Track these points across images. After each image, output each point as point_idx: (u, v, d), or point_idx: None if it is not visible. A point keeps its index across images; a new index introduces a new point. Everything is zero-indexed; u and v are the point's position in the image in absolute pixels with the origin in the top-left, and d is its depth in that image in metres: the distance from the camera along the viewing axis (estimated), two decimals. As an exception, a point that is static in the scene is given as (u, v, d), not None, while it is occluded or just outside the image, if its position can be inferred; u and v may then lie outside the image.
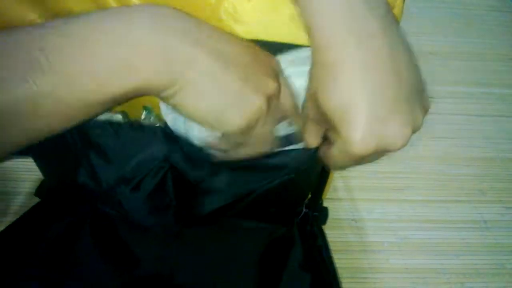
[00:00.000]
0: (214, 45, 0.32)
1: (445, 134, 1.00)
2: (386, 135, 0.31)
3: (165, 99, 0.32)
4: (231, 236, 0.59)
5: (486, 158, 0.95)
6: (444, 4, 1.40)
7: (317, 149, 0.40)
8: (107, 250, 0.57)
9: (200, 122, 0.34)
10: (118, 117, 0.45)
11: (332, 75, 0.31)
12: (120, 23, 0.30)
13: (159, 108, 0.44)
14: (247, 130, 0.34)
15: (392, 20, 0.33)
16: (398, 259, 0.78)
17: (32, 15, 0.38)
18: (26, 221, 0.58)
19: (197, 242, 0.58)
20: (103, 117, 0.44)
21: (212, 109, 0.33)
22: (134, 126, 0.46)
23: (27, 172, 0.81)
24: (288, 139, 0.42)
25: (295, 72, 0.39)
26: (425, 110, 0.33)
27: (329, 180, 0.58)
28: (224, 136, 0.37)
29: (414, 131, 0.32)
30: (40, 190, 0.62)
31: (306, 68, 0.36)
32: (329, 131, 0.37)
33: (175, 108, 0.33)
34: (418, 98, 0.32)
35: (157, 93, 0.31)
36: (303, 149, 0.43)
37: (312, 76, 0.34)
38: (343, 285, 0.56)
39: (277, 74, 0.36)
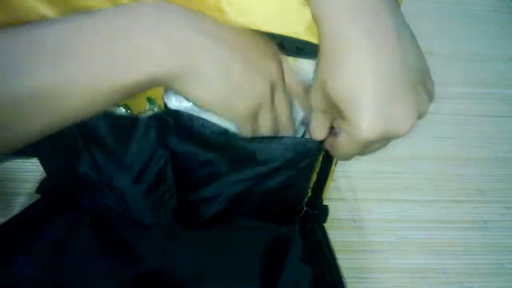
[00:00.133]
0: (218, 33, 0.34)
1: (445, 134, 1.00)
2: (393, 119, 0.31)
3: (174, 87, 0.34)
4: (232, 234, 0.59)
5: (486, 158, 0.96)
6: (444, 5, 1.40)
7: (321, 141, 0.41)
8: (108, 247, 0.57)
9: (208, 108, 0.35)
10: (121, 110, 0.46)
11: (339, 62, 0.32)
12: (132, 16, 0.32)
13: (162, 99, 0.44)
14: (254, 114, 0.36)
15: (397, 8, 0.34)
16: (398, 259, 0.78)
17: (51, 14, 0.39)
18: (26, 217, 0.58)
19: (198, 240, 0.59)
20: None
21: (219, 94, 0.34)
22: (129, 118, 0.46)
23: (27, 173, 0.81)
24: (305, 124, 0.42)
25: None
26: (431, 95, 0.34)
27: (329, 178, 0.58)
28: (235, 123, 0.37)
29: (420, 116, 0.33)
30: (42, 187, 0.63)
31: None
32: (336, 121, 0.37)
33: (183, 95, 0.35)
34: (423, 84, 0.33)
35: (168, 81, 0.33)
36: (304, 139, 0.43)
37: (319, 66, 0.35)
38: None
39: (279, 60, 0.37)
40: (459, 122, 1.03)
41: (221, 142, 0.43)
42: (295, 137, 0.43)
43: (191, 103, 0.41)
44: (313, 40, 0.39)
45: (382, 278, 0.75)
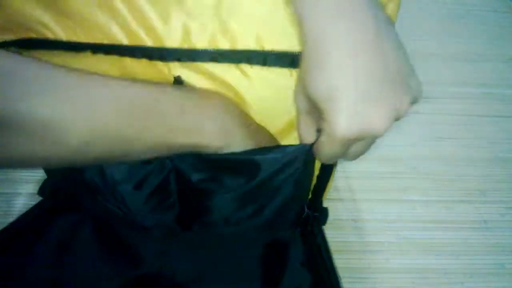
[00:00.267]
0: (249, 127, 0.44)
1: (446, 134, 1.00)
2: (369, 119, 0.32)
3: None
4: (232, 235, 0.59)
5: (487, 159, 0.95)
6: (444, 5, 1.39)
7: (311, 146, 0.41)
8: (109, 249, 0.57)
9: None
10: None
11: (319, 63, 0.33)
12: (202, 100, 0.42)
13: None
14: None
15: (378, 8, 0.34)
16: (398, 259, 0.78)
17: (45, 17, 0.39)
18: (28, 219, 0.58)
19: (198, 241, 0.59)
20: None
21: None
22: None
23: (29, 173, 0.81)
24: None
25: None
26: (414, 96, 0.34)
27: (330, 181, 0.58)
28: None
29: (399, 115, 0.33)
30: (43, 189, 0.63)
31: None
32: (320, 122, 0.37)
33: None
34: (405, 84, 0.34)
35: (208, 149, 0.42)
36: (299, 145, 0.43)
37: (301, 67, 0.36)
38: (343, 285, 0.56)
39: None
40: (459, 122, 1.03)
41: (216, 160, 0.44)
42: (287, 146, 0.44)
43: None
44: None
45: (383, 278, 0.75)
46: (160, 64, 0.42)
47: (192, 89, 0.43)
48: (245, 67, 0.41)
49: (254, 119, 0.46)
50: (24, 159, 0.36)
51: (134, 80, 0.39)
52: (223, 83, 0.43)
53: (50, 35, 0.40)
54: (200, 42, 0.40)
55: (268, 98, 0.44)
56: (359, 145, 0.36)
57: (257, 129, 0.46)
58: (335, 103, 0.32)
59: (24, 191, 0.78)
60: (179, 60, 0.41)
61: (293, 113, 0.44)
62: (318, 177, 0.56)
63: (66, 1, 0.39)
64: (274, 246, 0.59)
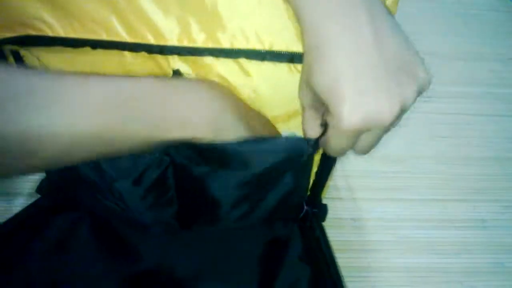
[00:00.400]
0: (243, 114, 0.42)
1: (444, 133, 1.00)
2: (373, 107, 0.32)
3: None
4: (231, 233, 0.60)
5: (485, 158, 0.96)
6: (443, 4, 1.40)
7: (316, 140, 0.41)
8: (107, 246, 0.57)
9: None
10: None
11: (320, 57, 0.33)
12: (187, 93, 0.40)
13: None
14: None
15: (378, 2, 0.34)
16: (397, 258, 0.78)
17: (44, 13, 0.40)
18: (26, 216, 0.58)
19: (197, 239, 0.59)
20: None
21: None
22: None
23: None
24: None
25: None
26: (420, 85, 0.34)
27: (329, 177, 0.58)
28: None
29: (405, 104, 0.33)
30: (41, 187, 0.63)
31: None
32: (325, 116, 0.37)
33: None
34: (409, 74, 0.33)
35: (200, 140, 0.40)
36: (299, 138, 0.43)
37: (304, 62, 0.36)
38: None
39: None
40: (458, 121, 1.03)
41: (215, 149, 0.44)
42: (287, 137, 0.44)
43: None
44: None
45: (382, 277, 0.75)
46: (159, 58, 0.42)
47: (178, 80, 0.42)
48: (244, 61, 0.42)
49: (251, 107, 0.45)
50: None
51: (114, 76, 0.38)
52: (221, 77, 0.43)
53: (48, 31, 0.40)
54: (200, 39, 0.41)
55: (266, 92, 0.44)
56: (368, 137, 0.35)
57: (255, 116, 0.45)
58: (338, 95, 0.32)
59: (23, 190, 0.78)
60: (178, 54, 0.41)
61: (290, 105, 0.45)
62: (317, 173, 0.56)
63: (65, -4, 0.39)
64: (273, 243, 0.59)
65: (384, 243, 0.80)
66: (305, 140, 0.42)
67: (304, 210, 0.61)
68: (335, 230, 0.80)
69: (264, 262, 0.57)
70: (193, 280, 0.55)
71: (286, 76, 0.42)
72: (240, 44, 0.41)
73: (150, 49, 0.41)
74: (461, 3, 1.41)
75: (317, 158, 0.54)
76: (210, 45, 0.41)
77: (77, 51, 0.42)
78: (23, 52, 0.43)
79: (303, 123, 0.41)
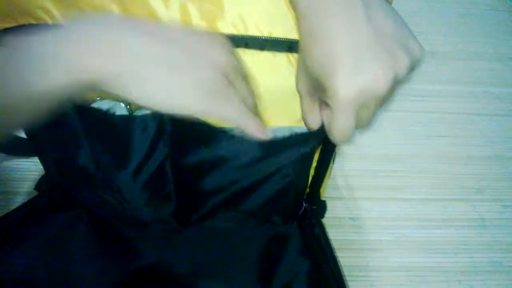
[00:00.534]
0: (154, 32, 0.34)
1: (444, 132, 1.01)
2: (367, 77, 0.33)
3: (116, 91, 0.33)
4: (230, 231, 0.60)
5: (484, 157, 0.96)
6: (443, 4, 1.40)
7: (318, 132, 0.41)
8: (106, 243, 0.57)
9: (158, 108, 0.34)
10: (121, 105, 0.46)
11: (314, 36, 0.34)
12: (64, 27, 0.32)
13: None
14: (210, 103, 0.35)
15: None
16: (396, 257, 0.78)
17: (46, 2, 0.40)
18: (24, 212, 0.58)
19: (197, 236, 0.59)
20: (106, 105, 0.45)
21: (164, 91, 0.33)
22: (128, 116, 0.46)
23: (27, 172, 0.81)
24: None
25: None
26: (413, 58, 0.35)
27: (327, 174, 0.58)
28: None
29: (397, 74, 0.34)
30: (40, 184, 0.63)
31: None
32: (323, 98, 0.38)
33: (126, 98, 0.33)
34: (402, 47, 0.34)
35: (109, 86, 0.32)
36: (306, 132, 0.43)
37: (299, 47, 0.36)
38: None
39: (229, 50, 0.37)
40: (458, 120, 1.04)
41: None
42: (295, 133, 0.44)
43: None
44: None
45: (381, 276, 0.76)
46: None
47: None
48: (243, 52, 0.42)
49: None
50: None
51: None
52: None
53: (49, 21, 0.40)
54: (200, 27, 0.41)
55: (266, 85, 0.44)
56: (365, 111, 0.36)
57: (174, 32, 0.36)
58: (332, 69, 0.33)
59: (22, 190, 0.78)
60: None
61: (291, 96, 0.45)
62: (316, 168, 0.56)
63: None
64: (272, 240, 0.59)
65: (383, 242, 0.80)
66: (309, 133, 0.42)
67: (303, 207, 0.61)
68: (334, 229, 0.80)
69: (263, 259, 0.57)
70: (192, 276, 0.55)
71: (286, 69, 0.42)
72: (239, 32, 0.41)
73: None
74: (461, 3, 1.41)
75: (316, 154, 0.55)
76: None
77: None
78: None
79: (303, 113, 0.41)
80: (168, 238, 0.59)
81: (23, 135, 0.53)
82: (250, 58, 0.42)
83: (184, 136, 0.47)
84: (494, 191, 0.89)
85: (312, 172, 0.57)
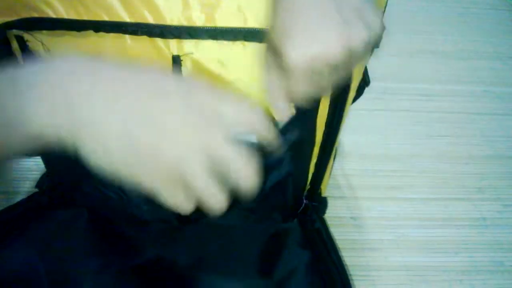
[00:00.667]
0: (116, 86, 0.30)
1: (444, 132, 1.01)
2: (320, 42, 0.34)
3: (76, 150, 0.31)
4: (232, 227, 0.60)
5: (485, 156, 0.96)
6: (443, 3, 1.41)
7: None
8: (106, 239, 0.57)
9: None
10: None
11: (276, 11, 0.36)
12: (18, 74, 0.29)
13: None
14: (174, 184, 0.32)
15: None
16: (397, 257, 0.78)
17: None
18: (24, 209, 0.58)
19: (198, 234, 0.59)
20: None
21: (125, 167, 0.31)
22: None
23: (27, 172, 0.81)
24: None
25: None
26: (369, 29, 0.36)
27: (327, 171, 0.58)
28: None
29: (351, 44, 0.34)
30: (41, 182, 0.63)
31: None
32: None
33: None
34: (359, 17, 0.35)
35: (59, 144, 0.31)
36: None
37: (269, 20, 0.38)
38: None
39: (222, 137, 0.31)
40: (458, 120, 1.04)
41: None
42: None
43: None
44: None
45: (381, 276, 0.75)
46: (159, 42, 0.43)
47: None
48: (242, 44, 0.42)
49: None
50: None
51: None
52: (221, 62, 0.44)
53: (52, 14, 0.40)
54: (199, 19, 0.41)
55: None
56: (321, 77, 0.36)
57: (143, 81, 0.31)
58: (287, 34, 0.34)
59: (23, 189, 0.78)
60: (179, 37, 0.41)
61: None
62: (316, 164, 0.56)
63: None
64: (273, 236, 0.59)
65: (384, 242, 0.80)
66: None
67: (304, 204, 0.61)
68: (335, 229, 0.79)
69: (263, 253, 0.57)
70: (193, 271, 0.55)
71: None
72: (238, 24, 0.42)
73: (151, 31, 0.41)
74: (461, 2, 1.42)
75: (315, 151, 0.55)
76: (208, 25, 0.41)
77: (80, 34, 0.42)
78: (27, 36, 0.44)
79: (270, 100, 0.41)
80: (168, 235, 0.59)
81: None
82: (249, 51, 0.43)
83: None
84: (495, 190, 0.89)
85: (312, 169, 0.58)
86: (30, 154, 0.33)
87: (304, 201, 0.61)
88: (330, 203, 0.67)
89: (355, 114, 0.68)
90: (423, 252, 0.79)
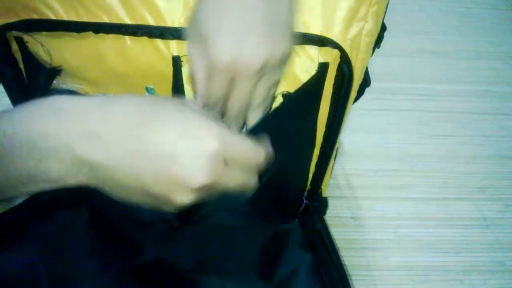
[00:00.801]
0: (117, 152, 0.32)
1: (445, 132, 1.01)
2: (242, 50, 0.35)
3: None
4: (232, 229, 0.60)
5: (486, 156, 0.96)
6: (444, 3, 1.40)
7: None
8: (106, 240, 0.57)
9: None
10: None
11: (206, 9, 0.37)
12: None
13: (161, 87, 0.45)
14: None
15: None
16: (398, 257, 0.78)
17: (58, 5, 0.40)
18: (24, 209, 0.58)
19: (198, 234, 0.59)
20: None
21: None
22: None
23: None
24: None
25: None
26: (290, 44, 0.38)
27: (328, 171, 0.58)
28: None
29: (270, 58, 0.36)
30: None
31: None
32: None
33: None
34: (282, 33, 0.37)
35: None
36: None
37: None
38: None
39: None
40: (459, 120, 1.04)
41: None
42: None
43: None
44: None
45: (382, 276, 0.75)
46: (159, 43, 0.43)
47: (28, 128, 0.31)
48: None
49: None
50: None
51: None
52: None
53: (51, 15, 0.40)
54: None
55: None
56: (238, 86, 0.37)
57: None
58: (212, 36, 0.35)
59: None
60: (179, 38, 0.41)
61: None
62: (316, 164, 0.56)
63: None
64: (273, 237, 0.59)
65: (385, 242, 0.80)
66: None
67: (304, 204, 0.61)
68: (336, 229, 0.80)
69: (264, 254, 0.57)
70: (193, 272, 0.55)
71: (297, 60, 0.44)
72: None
73: (151, 32, 0.41)
74: (462, 2, 1.42)
75: (316, 151, 0.55)
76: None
77: (80, 35, 0.42)
78: (26, 38, 0.44)
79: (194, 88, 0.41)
80: (168, 236, 0.59)
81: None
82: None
83: None
84: (496, 190, 0.89)
85: (313, 169, 0.57)
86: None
87: (305, 201, 0.61)
88: (331, 203, 0.67)
89: (356, 114, 0.68)
90: (424, 251, 0.79)
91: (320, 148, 0.54)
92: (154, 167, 0.31)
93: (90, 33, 0.42)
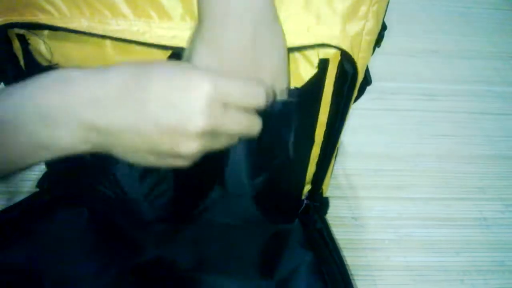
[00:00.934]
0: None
1: (446, 131, 1.01)
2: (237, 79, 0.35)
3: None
4: (232, 228, 0.60)
5: (487, 156, 0.96)
6: (445, 2, 1.41)
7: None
8: (106, 240, 0.57)
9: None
10: None
11: (202, 36, 0.37)
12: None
13: None
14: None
15: (268, 16, 0.38)
16: (398, 257, 0.78)
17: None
18: (24, 208, 0.58)
19: (198, 234, 0.59)
20: None
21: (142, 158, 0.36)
22: None
23: (28, 171, 0.81)
24: None
25: None
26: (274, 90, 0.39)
27: (329, 171, 0.58)
28: None
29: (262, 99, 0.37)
30: (42, 182, 0.63)
31: None
32: None
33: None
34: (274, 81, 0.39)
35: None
36: None
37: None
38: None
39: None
40: (460, 119, 1.04)
41: None
42: None
43: None
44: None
45: (383, 276, 0.75)
46: (162, 38, 0.43)
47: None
48: None
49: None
50: None
51: None
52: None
53: (54, 12, 0.40)
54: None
55: None
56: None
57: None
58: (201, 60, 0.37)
59: (24, 189, 0.78)
60: (182, 33, 0.41)
61: None
62: (317, 163, 0.56)
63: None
64: (274, 236, 0.59)
65: (386, 242, 0.80)
66: None
67: (305, 204, 0.61)
68: (337, 229, 0.80)
69: (265, 253, 0.57)
70: (193, 271, 0.55)
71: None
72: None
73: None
74: (463, 1, 1.42)
75: (316, 150, 0.55)
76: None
77: (82, 34, 0.42)
78: (28, 35, 0.44)
79: None
80: (168, 235, 0.59)
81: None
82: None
83: None
84: (497, 190, 0.89)
85: (313, 169, 0.57)
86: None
87: (306, 201, 0.61)
88: (331, 203, 0.67)
89: (356, 113, 0.68)
90: (425, 251, 0.79)
91: (321, 148, 0.54)
92: (154, 122, 0.32)
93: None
